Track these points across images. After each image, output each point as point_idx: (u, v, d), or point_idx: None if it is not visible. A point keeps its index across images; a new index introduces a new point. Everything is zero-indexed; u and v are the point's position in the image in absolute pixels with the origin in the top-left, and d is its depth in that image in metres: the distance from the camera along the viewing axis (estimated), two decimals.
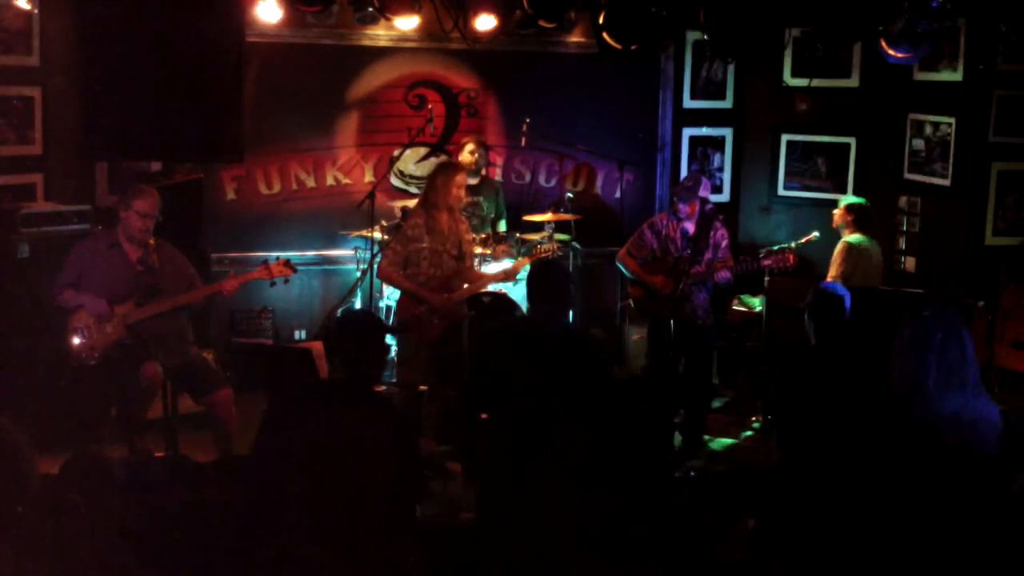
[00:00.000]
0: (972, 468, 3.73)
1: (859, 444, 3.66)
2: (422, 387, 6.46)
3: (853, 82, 8.03)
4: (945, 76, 7.29)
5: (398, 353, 6.47)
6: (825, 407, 4.01)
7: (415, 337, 6.27)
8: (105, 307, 5.63)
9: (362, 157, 8.08)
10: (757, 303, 7.34)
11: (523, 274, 7.31)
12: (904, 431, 3.82)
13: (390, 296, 7.26)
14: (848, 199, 7.30)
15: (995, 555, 3.35)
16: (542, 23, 6.76)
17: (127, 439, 5.81)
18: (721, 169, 8.66)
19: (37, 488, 2.96)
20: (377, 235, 7.31)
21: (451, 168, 6.43)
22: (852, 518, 3.39)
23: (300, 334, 7.94)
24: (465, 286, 6.36)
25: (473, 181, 7.69)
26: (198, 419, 6.07)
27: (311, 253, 7.89)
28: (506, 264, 6.82)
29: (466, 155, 7.67)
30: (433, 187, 6.32)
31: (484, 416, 4.75)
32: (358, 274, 7.63)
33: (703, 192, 6.55)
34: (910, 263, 7.70)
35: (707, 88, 8.55)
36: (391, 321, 6.80)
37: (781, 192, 8.46)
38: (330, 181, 8.04)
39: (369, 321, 4.33)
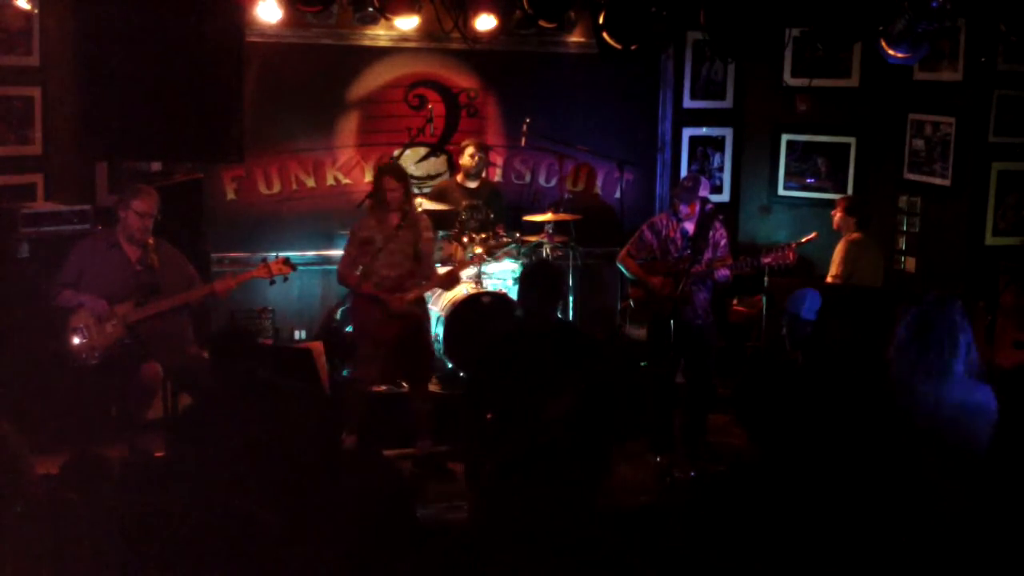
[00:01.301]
0: (960, 455, 3.73)
1: (843, 437, 3.66)
2: (380, 387, 6.51)
3: (853, 82, 8.03)
4: (945, 76, 7.29)
5: (356, 352, 6.51)
6: (806, 407, 4.00)
7: (372, 338, 6.30)
8: (105, 307, 5.63)
9: (362, 157, 8.07)
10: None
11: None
12: (890, 418, 3.82)
13: None
14: (847, 198, 7.31)
15: (979, 544, 3.35)
16: (542, 23, 6.76)
17: (127, 439, 5.82)
18: (721, 169, 8.66)
19: (35, 489, 2.96)
20: None
21: (382, 170, 6.47)
22: (831, 510, 3.39)
23: (300, 334, 7.94)
24: (422, 284, 6.39)
25: (473, 184, 7.70)
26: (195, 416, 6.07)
27: (311, 253, 7.89)
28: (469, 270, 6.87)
29: (466, 158, 7.68)
30: (373, 189, 6.45)
31: (488, 416, 4.76)
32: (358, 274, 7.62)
33: (703, 192, 6.55)
34: (910, 263, 7.70)
35: (707, 88, 8.55)
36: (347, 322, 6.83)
37: (781, 192, 8.46)
38: (330, 181, 8.04)
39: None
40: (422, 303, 6.54)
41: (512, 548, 3.05)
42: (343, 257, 6.40)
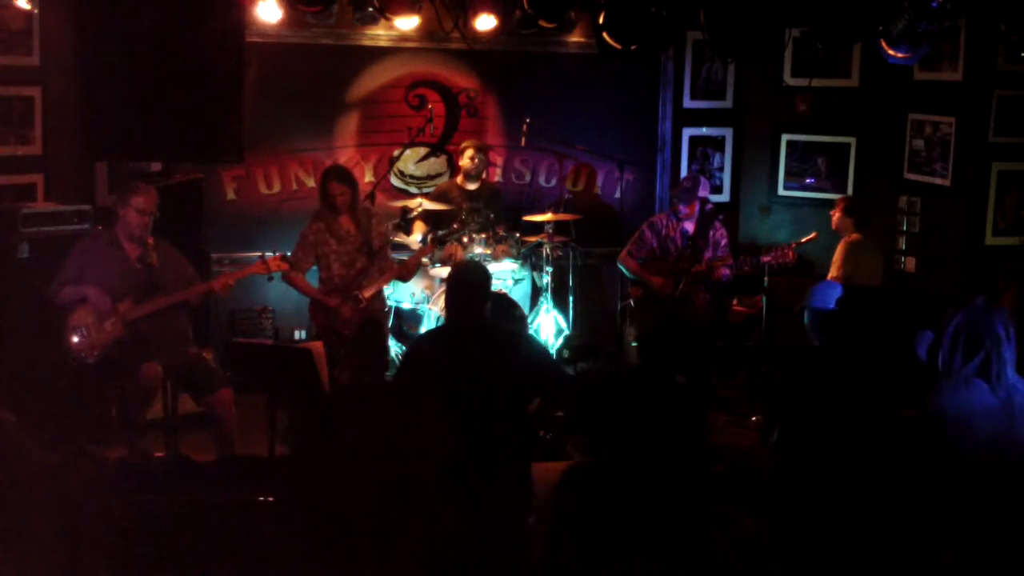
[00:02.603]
0: (1004, 461, 3.73)
1: (878, 442, 3.66)
2: None
3: (853, 82, 8.03)
4: (945, 76, 7.29)
5: (325, 355, 6.52)
6: (831, 408, 4.01)
7: (327, 338, 6.32)
8: (108, 302, 5.63)
9: (362, 157, 8.08)
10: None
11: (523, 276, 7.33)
12: (935, 423, 3.83)
13: (392, 296, 7.27)
14: (846, 199, 7.32)
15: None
16: (542, 23, 6.76)
17: (127, 439, 5.82)
18: (721, 169, 8.66)
19: (39, 485, 2.96)
20: None
21: (326, 175, 6.48)
22: (865, 519, 3.39)
23: (300, 334, 7.94)
24: (379, 278, 6.40)
25: (473, 186, 7.70)
26: (198, 419, 6.08)
27: None
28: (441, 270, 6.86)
29: (465, 160, 7.68)
30: (320, 193, 6.48)
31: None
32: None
33: (702, 192, 6.57)
34: (910, 263, 7.70)
35: (707, 88, 8.55)
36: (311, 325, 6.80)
37: (781, 192, 8.46)
38: None
39: None
40: (382, 300, 6.54)
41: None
42: (290, 259, 6.38)
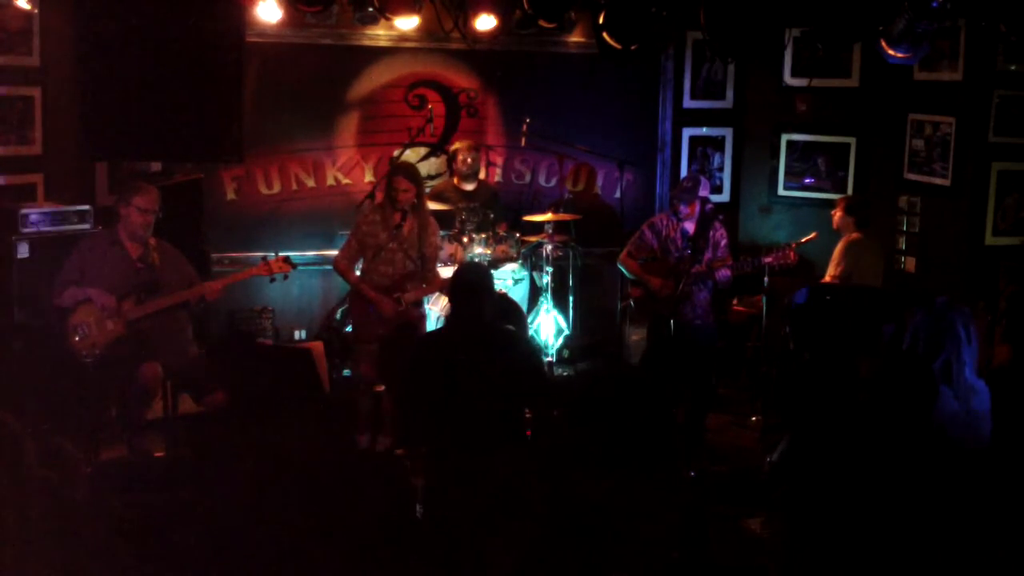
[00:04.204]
0: (966, 460, 3.74)
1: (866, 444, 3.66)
2: (379, 387, 6.50)
3: (853, 82, 8.03)
4: (945, 76, 7.29)
5: (353, 350, 6.52)
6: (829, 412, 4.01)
7: (362, 334, 6.31)
8: (112, 300, 5.63)
9: (362, 157, 8.08)
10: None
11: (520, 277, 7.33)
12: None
13: None
14: (847, 198, 7.32)
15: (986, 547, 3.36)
16: (542, 23, 6.77)
17: (127, 439, 5.82)
18: (721, 169, 8.66)
19: (36, 484, 2.97)
20: None
21: (395, 169, 6.48)
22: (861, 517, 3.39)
23: (300, 334, 7.94)
24: (423, 287, 6.38)
25: (469, 187, 7.69)
26: (198, 419, 6.08)
27: (311, 253, 7.88)
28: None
29: (458, 162, 7.68)
30: (385, 185, 6.47)
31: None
32: (358, 273, 7.62)
33: (703, 192, 6.56)
34: (910, 263, 7.70)
35: (707, 88, 8.55)
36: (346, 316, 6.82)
37: (781, 192, 8.46)
38: (330, 181, 8.04)
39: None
40: (419, 304, 6.54)
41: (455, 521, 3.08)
42: (343, 247, 6.42)
